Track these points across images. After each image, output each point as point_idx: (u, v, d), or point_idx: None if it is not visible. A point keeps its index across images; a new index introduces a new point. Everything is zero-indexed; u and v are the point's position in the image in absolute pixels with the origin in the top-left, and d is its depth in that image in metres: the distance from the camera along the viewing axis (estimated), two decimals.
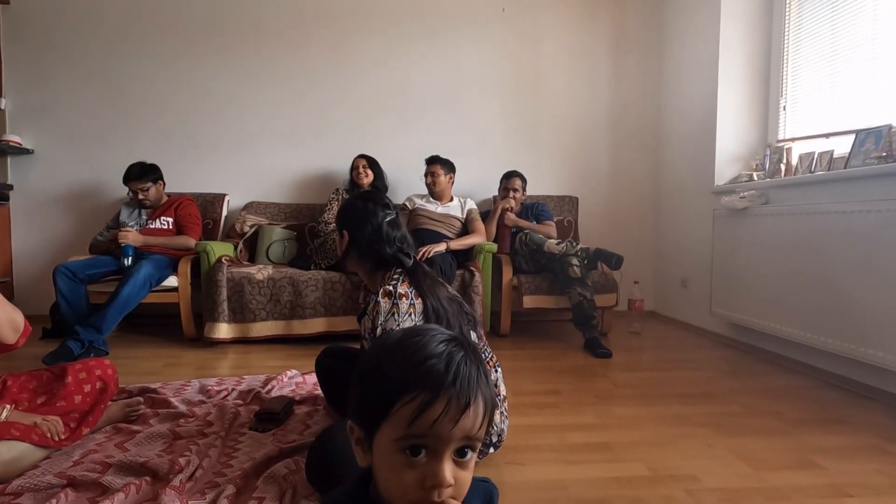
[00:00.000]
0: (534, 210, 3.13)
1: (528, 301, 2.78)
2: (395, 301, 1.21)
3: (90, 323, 2.33)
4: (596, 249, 2.67)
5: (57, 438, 1.33)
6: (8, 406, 1.32)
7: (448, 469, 0.47)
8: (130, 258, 2.58)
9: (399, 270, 1.29)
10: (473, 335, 1.33)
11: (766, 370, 2.29)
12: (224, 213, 3.22)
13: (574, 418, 1.69)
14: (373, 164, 3.08)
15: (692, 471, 1.33)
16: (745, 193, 2.53)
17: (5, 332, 1.40)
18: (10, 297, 2.99)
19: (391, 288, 1.22)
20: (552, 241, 2.74)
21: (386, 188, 3.10)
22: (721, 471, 1.34)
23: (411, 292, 1.23)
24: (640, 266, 3.43)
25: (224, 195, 3.24)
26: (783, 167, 2.57)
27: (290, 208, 3.28)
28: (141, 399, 1.67)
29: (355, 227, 1.32)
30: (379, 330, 1.20)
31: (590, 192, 3.52)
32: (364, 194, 1.37)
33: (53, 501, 1.08)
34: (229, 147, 3.34)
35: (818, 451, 1.45)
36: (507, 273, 2.84)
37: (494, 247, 2.83)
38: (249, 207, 3.23)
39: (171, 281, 2.64)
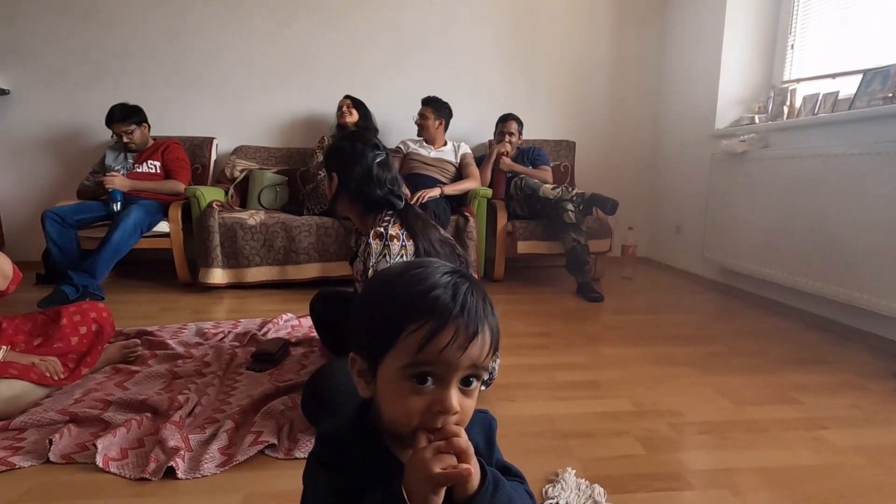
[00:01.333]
0: (530, 155, 3.07)
1: (523, 247, 2.78)
2: (387, 242, 1.20)
3: (83, 268, 2.32)
4: (591, 194, 2.64)
5: (56, 378, 1.35)
6: (4, 347, 1.33)
7: (455, 396, 0.47)
8: (119, 203, 2.54)
9: (390, 212, 1.28)
10: None
11: (754, 313, 2.34)
12: (213, 157, 3.14)
13: (564, 358, 1.73)
14: (358, 104, 2.96)
15: (676, 406, 1.38)
16: (746, 137, 2.48)
17: None
18: (0, 244, 2.98)
19: (382, 229, 1.21)
20: (547, 186, 2.70)
21: (376, 130, 3.00)
22: (703, 406, 1.39)
23: (402, 234, 1.22)
24: (635, 212, 3.42)
25: (212, 139, 3.15)
26: (786, 110, 2.50)
27: (280, 153, 3.20)
28: (138, 341, 1.69)
29: (344, 169, 1.28)
30: (371, 272, 1.20)
31: (587, 136, 3.44)
32: (352, 134, 1.32)
33: (57, 436, 1.12)
34: (216, 89, 3.20)
35: (797, 387, 1.51)
36: (502, 219, 2.82)
37: (489, 192, 2.80)
38: (239, 152, 3.15)
39: (163, 226, 2.61)
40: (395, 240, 1.21)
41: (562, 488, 0.98)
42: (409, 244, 1.22)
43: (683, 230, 3.17)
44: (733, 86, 2.81)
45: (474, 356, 0.48)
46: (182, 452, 1.07)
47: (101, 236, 2.43)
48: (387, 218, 1.26)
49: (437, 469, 0.44)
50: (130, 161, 2.79)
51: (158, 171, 2.81)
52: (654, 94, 3.46)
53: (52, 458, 1.07)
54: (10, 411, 1.23)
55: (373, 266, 1.19)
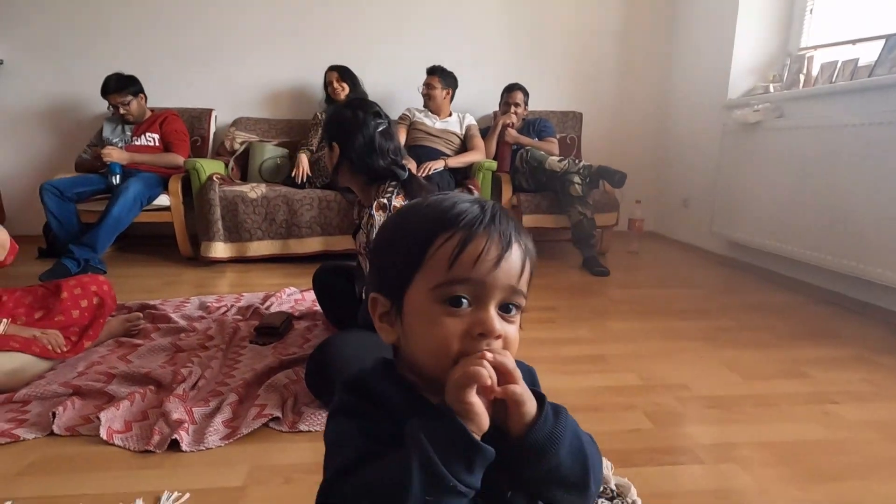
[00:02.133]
0: (536, 126, 2.99)
1: (528, 220, 2.74)
2: (390, 214, 1.16)
3: (83, 241, 2.30)
4: (598, 167, 2.58)
5: (59, 351, 1.35)
6: (5, 320, 1.32)
7: (496, 317, 0.43)
8: (118, 176, 2.50)
9: (394, 183, 1.24)
10: None
11: (763, 287, 2.30)
12: (212, 129, 3.08)
13: (569, 333, 1.71)
14: (346, 74, 2.84)
15: (683, 380, 1.36)
16: (760, 106, 2.41)
17: None
18: (0, 218, 2.96)
19: (385, 201, 1.17)
20: (554, 158, 2.64)
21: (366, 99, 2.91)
22: (711, 380, 1.37)
23: None
24: (643, 185, 3.35)
25: (211, 110, 3.08)
26: (802, 78, 2.42)
27: (280, 124, 3.14)
28: (140, 314, 1.68)
29: (345, 138, 1.24)
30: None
31: (595, 107, 3.35)
32: (353, 102, 1.27)
33: (61, 408, 1.11)
34: (214, 59, 3.12)
35: (807, 361, 1.49)
36: (507, 191, 2.77)
37: (494, 164, 2.74)
38: (238, 124, 3.08)
39: (163, 200, 2.58)
40: None
41: None
42: None
43: (691, 203, 3.11)
44: (747, 53, 2.71)
45: (511, 272, 0.44)
46: (186, 425, 1.06)
47: (100, 209, 2.40)
48: (390, 189, 1.22)
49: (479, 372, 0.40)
50: (128, 133, 2.74)
51: (157, 143, 2.76)
52: (665, 63, 3.35)
53: (56, 430, 1.06)
54: (13, 384, 1.22)
55: None
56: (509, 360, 0.42)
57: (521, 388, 0.42)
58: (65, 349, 1.37)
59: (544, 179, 2.69)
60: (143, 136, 2.74)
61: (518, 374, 0.42)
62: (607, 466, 0.96)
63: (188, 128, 2.91)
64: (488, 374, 0.40)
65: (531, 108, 3.05)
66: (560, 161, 2.61)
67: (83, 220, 2.47)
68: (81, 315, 1.49)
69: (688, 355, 1.53)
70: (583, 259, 2.59)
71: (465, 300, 0.43)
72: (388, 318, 0.47)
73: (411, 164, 2.58)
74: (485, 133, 2.93)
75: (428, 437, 0.39)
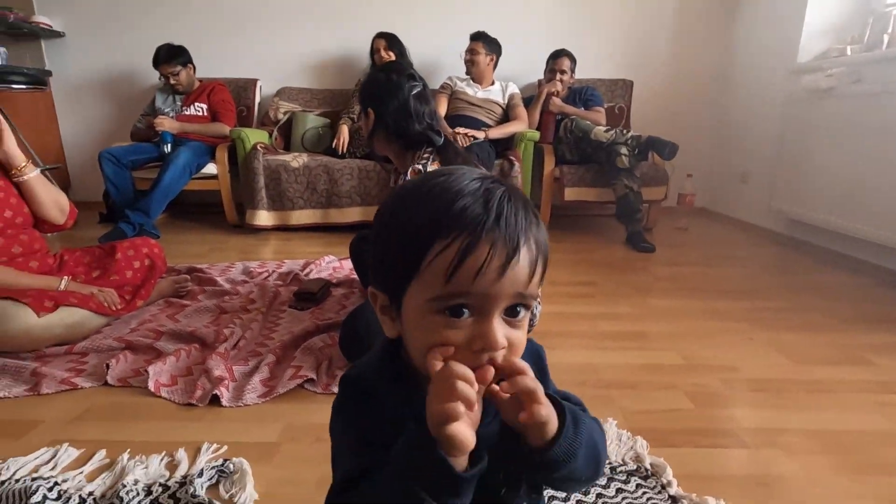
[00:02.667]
0: (582, 95, 2.86)
1: (570, 193, 2.65)
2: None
3: (138, 207, 2.42)
4: (648, 137, 2.45)
5: (114, 308, 1.43)
6: (66, 277, 1.41)
7: (500, 329, 0.39)
8: (169, 145, 2.60)
9: (430, 149, 1.21)
10: None
11: (821, 268, 2.14)
12: (257, 99, 3.13)
13: (608, 308, 1.66)
14: (393, 42, 2.80)
15: (729, 362, 1.29)
16: (834, 70, 2.19)
17: (53, 213, 1.47)
18: (65, 184, 3.15)
19: (420, 167, 1.15)
20: (600, 128, 2.52)
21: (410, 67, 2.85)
22: (759, 363, 1.29)
23: None
24: (697, 158, 3.16)
25: (256, 80, 3.12)
26: (886, 38, 2.17)
27: (323, 94, 3.15)
28: (188, 277, 1.76)
29: (379, 103, 1.21)
30: None
31: (646, 74, 3.16)
32: (387, 66, 1.23)
33: (114, 361, 1.18)
34: (260, 29, 3.13)
35: (870, 348, 1.38)
36: (549, 163, 2.68)
37: (536, 135, 2.65)
38: (282, 93, 3.12)
39: (210, 168, 2.66)
40: None
41: None
42: None
43: (750, 178, 2.91)
44: (823, 12, 2.46)
45: (518, 280, 0.38)
46: (226, 382, 1.11)
47: (153, 177, 2.51)
48: (426, 155, 1.19)
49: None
50: (179, 103, 2.83)
51: (205, 113, 2.83)
52: (726, 25, 3.10)
53: (109, 380, 1.14)
54: (73, 337, 1.31)
55: None
56: (530, 380, 0.38)
57: (545, 410, 0.39)
58: (119, 307, 1.45)
59: (589, 150, 2.58)
60: (192, 106, 2.82)
61: (540, 392, 0.39)
62: (642, 445, 0.93)
63: (234, 98, 2.97)
64: (464, 410, 0.36)
65: (578, 75, 2.91)
66: (606, 131, 2.49)
67: (138, 186, 2.59)
68: (134, 275, 1.57)
69: (735, 336, 1.45)
70: (627, 235, 2.49)
71: (465, 310, 0.39)
72: (388, 313, 0.44)
73: (448, 129, 2.54)
74: (528, 103, 2.83)
75: (412, 472, 0.37)
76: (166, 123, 2.64)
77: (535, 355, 0.51)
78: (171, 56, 2.71)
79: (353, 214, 2.63)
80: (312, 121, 2.95)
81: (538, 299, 1.30)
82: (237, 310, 1.55)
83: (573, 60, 2.82)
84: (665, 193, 2.71)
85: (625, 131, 2.48)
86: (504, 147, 2.71)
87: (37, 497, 0.77)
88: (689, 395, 1.13)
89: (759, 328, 1.51)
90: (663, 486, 0.83)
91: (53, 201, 1.48)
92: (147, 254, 1.61)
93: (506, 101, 2.81)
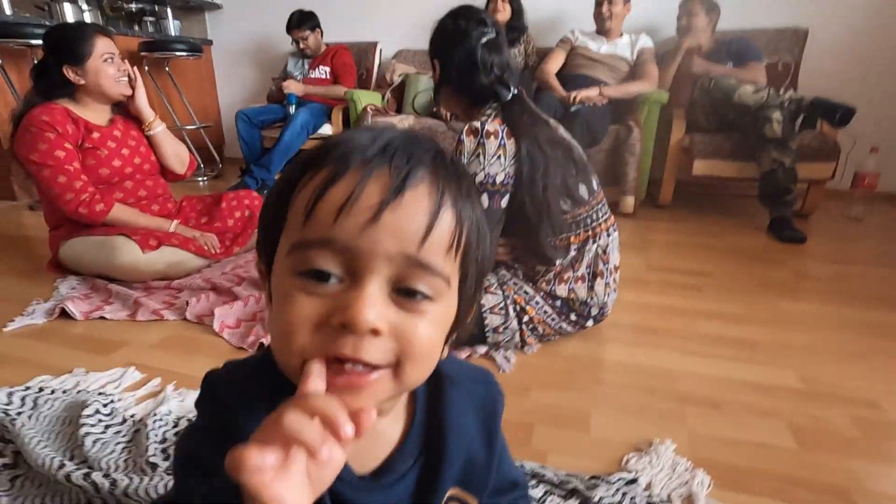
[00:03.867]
0: (732, 48, 2.37)
1: (700, 167, 2.25)
2: (482, 140, 1.01)
3: (261, 163, 2.65)
4: (814, 99, 1.95)
5: (213, 251, 1.58)
6: (176, 221, 1.58)
7: (374, 301, 0.28)
8: (294, 106, 2.79)
9: (494, 105, 1.07)
10: (583, 189, 1.09)
11: None
12: (377, 62, 3.19)
13: (715, 305, 1.37)
14: None
15: (870, 395, 0.97)
16: None
17: (175, 164, 1.65)
18: (219, 141, 3.59)
19: (478, 124, 1.02)
20: (748, 87, 2.06)
21: (525, 28, 2.61)
22: None
23: (503, 130, 1.02)
24: (885, 128, 2.45)
25: (376, 43, 3.18)
26: None
27: None
28: None
29: (445, 53, 1.10)
30: None
31: (827, 21, 2.50)
32: (455, 11, 1.10)
33: (194, 299, 1.30)
34: None
35: None
36: (678, 130, 2.30)
37: (664, 96, 2.27)
38: (399, 56, 3.13)
39: (326, 129, 2.80)
40: (493, 137, 1.01)
41: (648, 462, 0.77)
42: (510, 143, 1.01)
43: None
44: None
45: (406, 231, 0.28)
46: None
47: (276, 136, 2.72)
48: (489, 111, 1.06)
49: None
50: (306, 67, 3.01)
51: (328, 76, 2.97)
52: None
53: (188, 316, 1.25)
54: (174, 274, 1.47)
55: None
56: (334, 405, 0.25)
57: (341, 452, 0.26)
58: (218, 251, 1.60)
59: (731, 116, 2.14)
60: (317, 69, 2.98)
61: (357, 426, 0.25)
62: (702, 483, 0.74)
63: (356, 61, 3.06)
64: (291, 457, 0.24)
65: (731, 23, 2.41)
66: (756, 92, 2.03)
67: (265, 144, 2.83)
68: (235, 224, 1.72)
69: (890, 362, 1.09)
70: (770, 219, 2.05)
71: (332, 274, 0.29)
72: (267, 290, 0.34)
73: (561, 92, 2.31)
74: (661, 61, 2.44)
75: None
76: (292, 86, 2.83)
77: (486, 404, 0.39)
78: (301, 21, 2.87)
79: None
80: (424, 83, 2.91)
81: (612, 283, 1.11)
82: None
83: (715, 7, 2.34)
84: (833, 171, 2.15)
85: (781, 92, 2.00)
86: (625, 110, 2.38)
87: (89, 410, 0.86)
88: (794, 429, 0.88)
89: None
90: None
91: (175, 154, 1.66)
92: (248, 205, 1.75)
93: (634, 57, 2.45)
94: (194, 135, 3.21)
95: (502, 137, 1.01)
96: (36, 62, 1.43)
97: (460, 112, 1.18)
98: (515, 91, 1.08)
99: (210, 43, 3.56)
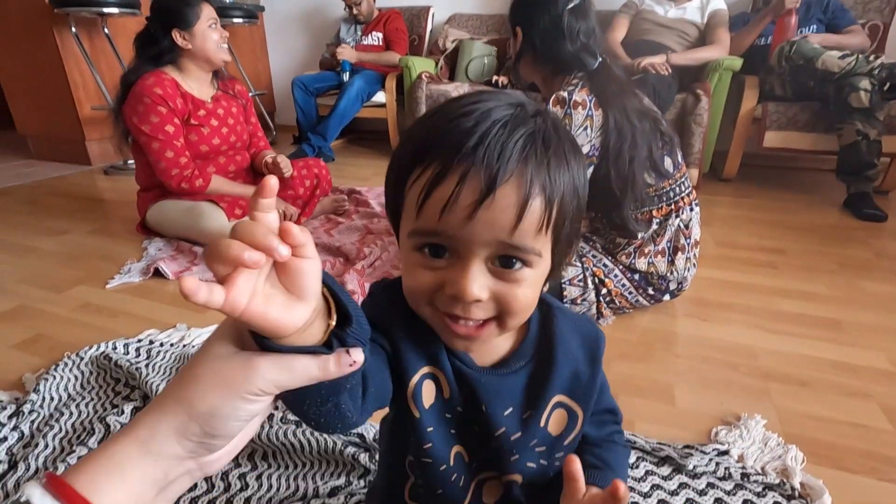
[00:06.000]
0: (824, 9, 2.20)
1: (772, 138, 2.14)
2: (569, 110, 1.00)
3: (317, 131, 2.69)
4: None
5: (292, 219, 1.63)
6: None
7: (477, 278, 0.34)
8: (347, 73, 2.79)
9: (581, 74, 1.05)
10: (668, 162, 1.06)
11: None
12: (429, 27, 3.13)
13: (794, 284, 1.33)
14: None
15: None
16: None
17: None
18: (270, 108, 3.64)
19: (565, 94, 1.01)
20: (833, 53, 1.92)
21: None
22: None
23: (591, 101, 1.00)
24: None
25: (428, 7, 3.12)
26: None
27: (493, 20, 3.01)
28: (346, 197, 1.92)
29: (528, 20, 1.07)
30: None
31: None
32: None
33: None
34: None
35: None
36: (750, 99, 2.18)
37: (737, 63, 2.14)
38: (452, 21, 3.07)
39: (380, 97, 2.80)
40: (580, 107, 1.00)
41: (740, 436, 0.78)
42: (598, 114, 1.00)
43: None
44: None
45: (498, 224, 0.33)
46: (356, 296, 1.19)
47: (332, 104, 2.74)
48: (574, 81, 1.04)
49: None
50: (359, 33, 2.99)
51: (380, 42, 2.95)
52: None
53: None
54: None
55: None
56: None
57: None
58: (295, 218, 1.66)
59: (812, 83, 2.01)
60: (369, 35, 2.95)
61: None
62: (795, 458, 0.74)
63: (408, 26, 3.02)
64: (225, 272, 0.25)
65: None
66: (842, 57, 1.89)
67: (320, 112, 2.87)
68: (305, 192, 1.77)
69: None
70: (848, 195, 1.95)
71: (445, 250, 0.35)
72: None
73: (625, 60, 2.22)
74: (739, 25, 2.29)
75: None
76: (346, 53, 2.82)
77: (589, 340, 0.44)
78: None
79: None
80: (479, 49, 2.85)
81: (693, 258, 1.10)
82: (382, 232, 1.65)
83: None
84: None
85: (870, 58, 1.86)
86: (693, 78, 2.28)
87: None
88: (887, 410, 0.86)
89: None
90: None
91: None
92: (316, 174, 1.79)
93: (705, 21, 2.32)
94: None
95: (590, 108, 1.00)
96: (140, 30, 1.48)
97: (540, 81, 1.16)
98: (601, 59, 1.05)
99: (262, 9, 3.57)
